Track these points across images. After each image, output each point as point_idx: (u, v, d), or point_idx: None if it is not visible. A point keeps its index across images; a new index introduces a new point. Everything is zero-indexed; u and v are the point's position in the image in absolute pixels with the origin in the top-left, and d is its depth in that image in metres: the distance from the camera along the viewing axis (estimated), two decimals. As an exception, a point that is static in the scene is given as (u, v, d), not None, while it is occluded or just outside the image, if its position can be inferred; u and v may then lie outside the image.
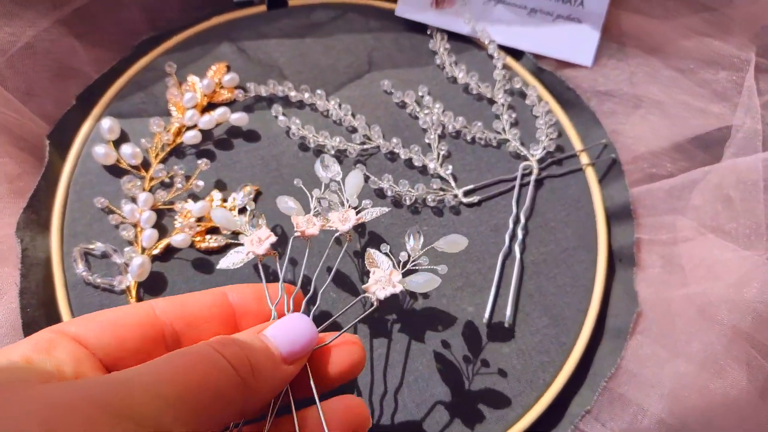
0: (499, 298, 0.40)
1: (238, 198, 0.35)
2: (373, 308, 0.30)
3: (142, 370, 0.22)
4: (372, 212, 0.34)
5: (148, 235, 0.38)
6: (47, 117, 0.42)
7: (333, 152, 0.42)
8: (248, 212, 0.33)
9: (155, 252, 0.38)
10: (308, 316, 0.29)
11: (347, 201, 0.34)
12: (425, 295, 0.39)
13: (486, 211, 0.42)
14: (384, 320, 0.38)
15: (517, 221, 0.42)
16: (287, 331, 0.27)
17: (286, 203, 0.33)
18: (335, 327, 0.31)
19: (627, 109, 0.46)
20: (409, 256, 0.33)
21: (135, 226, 0.39)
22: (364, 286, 0.31)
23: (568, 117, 0.46)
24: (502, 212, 0.42)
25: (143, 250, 0.38)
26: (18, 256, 0.37)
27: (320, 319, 0.34)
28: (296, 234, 0.32)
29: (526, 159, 0.44)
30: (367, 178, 0.42)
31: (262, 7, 0.47)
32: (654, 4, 0.47)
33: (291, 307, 0.30)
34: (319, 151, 0.43)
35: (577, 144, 0.45)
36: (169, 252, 0.39)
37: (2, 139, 0.39)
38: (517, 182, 0.43)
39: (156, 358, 0.23)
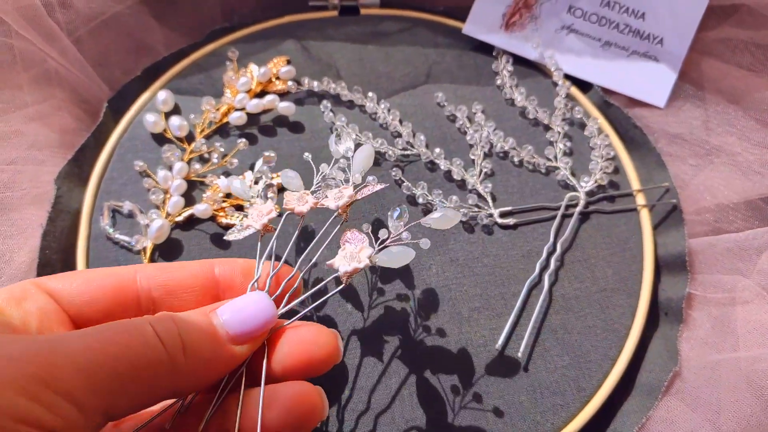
0: (518, 327, 0.37)
1: (257, 164, 0.34)
2: (339, 288, 0.28)
3: (73, 336, 0.21)
4: (367, 190, 0.30)
5: (174, 201, 0.38)
6: (113, 84, 0.44)
7: (372, 153, 0.42)
8: (262, 183, 0.32)
9: (178, 219, 0.38)
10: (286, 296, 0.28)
11: (351, 178, 0.31)
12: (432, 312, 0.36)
13: (521, 236, 0.40)
14: (381, 330, 0.36)
15: (552, 251, 0.39)
16: (240, 310, 0.25)
17: (288, 177, 0.31)
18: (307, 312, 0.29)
19: (698, 156, 0.43)
20: (389, 233, 0.29)
21: (165, 192, 0.39)
22: (328, 262, 0.28)
23: (630, 155, 0.43)
24: (538, 240, 0.39)
25: (167, 215, 0.38)
26: (50, 201, 0.38)
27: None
28: (287, 211, 0.30)
29: (574, 190, 0.41)
30: (401, 184, 0.40)
31: (334, 12, 0.48)
32: (740, 52, 0.44)
33: (269, 285, 0.28)
34: (359, 150, 0.42)
35: (635, 183, 0.42)
36: (192, 222, 0.39)
37: (66, 96, 0.42)
38: (560, 212, 0.40)
39: (93, 326, 0.22)
